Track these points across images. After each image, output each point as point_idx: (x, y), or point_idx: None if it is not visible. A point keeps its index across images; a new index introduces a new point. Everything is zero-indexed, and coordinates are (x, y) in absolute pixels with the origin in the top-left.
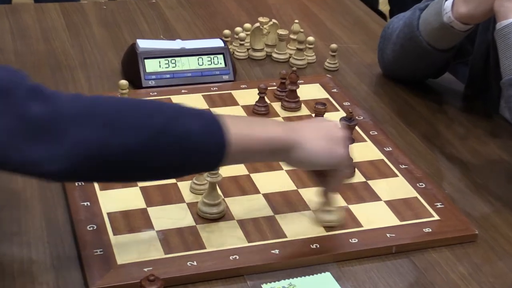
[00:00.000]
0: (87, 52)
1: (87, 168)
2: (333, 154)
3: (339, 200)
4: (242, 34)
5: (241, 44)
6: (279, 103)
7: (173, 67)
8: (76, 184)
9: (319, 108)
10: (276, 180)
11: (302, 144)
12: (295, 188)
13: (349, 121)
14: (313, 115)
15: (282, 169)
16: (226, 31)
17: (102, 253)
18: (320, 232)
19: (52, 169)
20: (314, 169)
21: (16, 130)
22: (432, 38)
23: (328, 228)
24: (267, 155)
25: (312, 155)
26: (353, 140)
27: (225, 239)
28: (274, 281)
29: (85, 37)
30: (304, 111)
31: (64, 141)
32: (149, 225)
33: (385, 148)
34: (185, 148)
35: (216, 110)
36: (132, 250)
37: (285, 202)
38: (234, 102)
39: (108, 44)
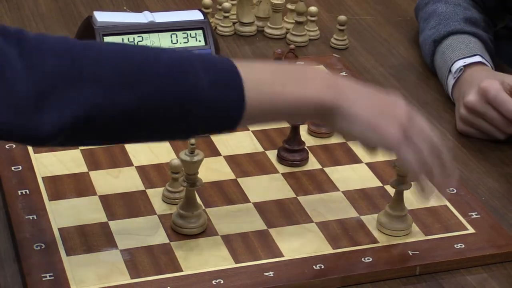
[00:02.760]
0: (31, 28)
1: (79, 132)
2: (380, 132)
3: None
4: (227, 4)
5: (225, 17)
6: None
7: None
8: (19, 193)
9: None
10: (269, 185)
11: (345, 109)
12: (293, 195)
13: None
14: None
15: (278, 172)
16: (207, 1)
17: (52, 278)
18: (326, 249)
19: (42, 135)
20: (360, 143)
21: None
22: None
23: (335, 244)
24: (298, 117)
25: (354, 126)
26: None
27: (206, 259)
28: None
29: (28, 10)
30: None
31: (50, 108)
32: (111, 243)
33: None
34: (190, 109)
35: None
36: (91, 274)
37: (281, 213)
38: None
39: (57, 19)
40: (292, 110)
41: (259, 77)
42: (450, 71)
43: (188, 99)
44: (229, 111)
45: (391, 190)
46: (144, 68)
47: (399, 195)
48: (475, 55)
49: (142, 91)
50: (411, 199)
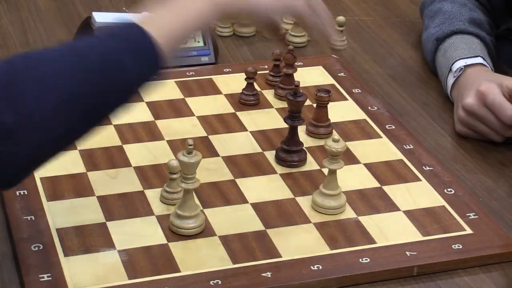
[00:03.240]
0: (30, 29)
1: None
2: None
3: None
4: None
5: None
6: (272, 91)
7: None
8: (18, 194)
9: (321, 97)
10: (267, 186)
11: None
12: (291, 196)
13: (294, 96)
14: (315, 105)
15: (276, 172)
16: None
17: (50, 279)
18: (323, 250)
19: None
20: (257, 17)
21: None
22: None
23: (332, 244)
24: (206, 24)
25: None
26: (302, 120)
27: (204, 260)
28: None
29: (27, 10)
30: None
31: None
32: (109, 244)
33: (405, 146)
34: (124, 83)
35: (194, 100)
36: (88, 274)
37: (279, 214)
38: (215, 90)
39: (56, 19)
40: (197, 24)
41: (159, 23)
42: (450, 70)
43: (120, 81)
44: (152, 66)
45: (389, 191)
46: (78, 66)
47: (332, 174)
48: (476, 56)
49: (78, 87)
50: (409, 199)
